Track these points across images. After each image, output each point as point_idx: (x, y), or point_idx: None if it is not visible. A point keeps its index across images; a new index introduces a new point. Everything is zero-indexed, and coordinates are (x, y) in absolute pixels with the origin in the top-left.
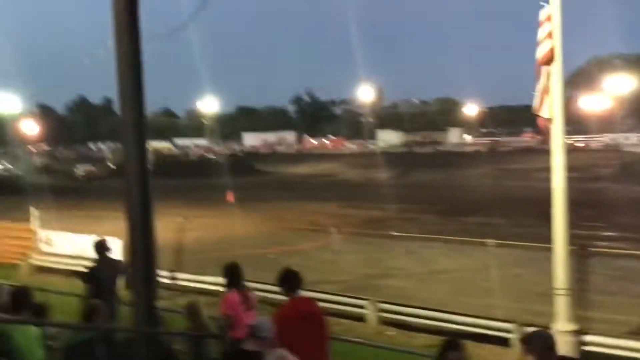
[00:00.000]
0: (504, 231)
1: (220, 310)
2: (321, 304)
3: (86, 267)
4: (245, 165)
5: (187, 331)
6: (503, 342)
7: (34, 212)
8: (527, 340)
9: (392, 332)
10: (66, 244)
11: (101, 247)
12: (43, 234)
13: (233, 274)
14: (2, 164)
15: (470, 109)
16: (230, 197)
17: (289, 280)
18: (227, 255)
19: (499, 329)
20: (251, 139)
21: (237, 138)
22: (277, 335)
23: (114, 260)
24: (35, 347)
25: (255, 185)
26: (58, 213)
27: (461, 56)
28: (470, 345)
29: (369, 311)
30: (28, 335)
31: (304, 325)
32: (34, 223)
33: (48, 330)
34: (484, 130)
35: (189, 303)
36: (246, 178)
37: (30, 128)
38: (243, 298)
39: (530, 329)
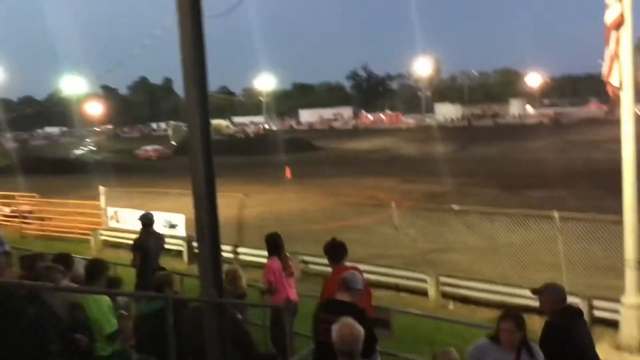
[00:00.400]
0: (569, 204)
1: (263, 277)
2: (382, 278)
3: (133, 239)
4: (302, 141)
5: (256, 302)
6: None
7: (101, 189)
8: (539, 292)
9: (453, 306)
10: (132, 219)
11: (146, 220)
12: (110, 210)
13: (274, 244)
14: (85, 147)
15: (532, 80)
16: (288, 173)
17: (333, 250)
18: (287, 230)
19: None
20: (308, 116)
21: (294, 115)
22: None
23: (158, 233)
24: (109, 316)
25: (312, 161)
26: (124, 190)
27: (522, 25)
28: (536, 320)
29: (429, 285)
30: (102, 305)
31: None
32: (102, 200)
33: (119, 300)
34: (546, 101)
35: (229, 270)
36: (304, 154)
37: (95, 109)
38: (284, 265)
39: (599, 302)
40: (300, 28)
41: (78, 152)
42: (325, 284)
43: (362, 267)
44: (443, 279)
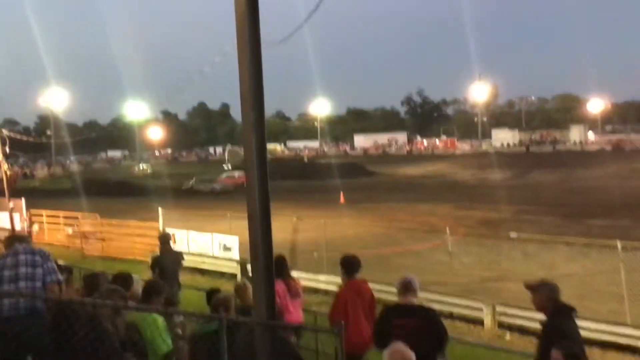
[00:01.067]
0: (632, 234)
1: None
2: (436, 306)
3: (151, 256)
4: (356, 166)
5: (302, 325)
6: (633, 350)
7: (160, 211)
8: (534, 287)
9: (510, 336)
10: (188, 241)
11: (165, 238)
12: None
13: (279, 266)
14: (142, 167)
15: (594, 105)
16: (342, 198)
17: (349, 265)
18: (339, 255)
19: (627, 336)
20: (362, 141)
21: (348, 140)
22: (342, 309)
23: (175, 251)
24: (164, 336)
25: (367, 186)
26: (182, 212)
27: (583, 50)
28: (596, 352)
29: (485, 314)
30: (157, 325)
31: (358, 300)
32: (160, 222)
33: (174, 320)
34: (609, 127)
35: (237, 284)
36: (358, 179)
37: (155, 133)
38: (288, 287)
39: None
40: (356, 53)
41: (187, 184)
42: (339, 296)
43: None
44: (500, 309)
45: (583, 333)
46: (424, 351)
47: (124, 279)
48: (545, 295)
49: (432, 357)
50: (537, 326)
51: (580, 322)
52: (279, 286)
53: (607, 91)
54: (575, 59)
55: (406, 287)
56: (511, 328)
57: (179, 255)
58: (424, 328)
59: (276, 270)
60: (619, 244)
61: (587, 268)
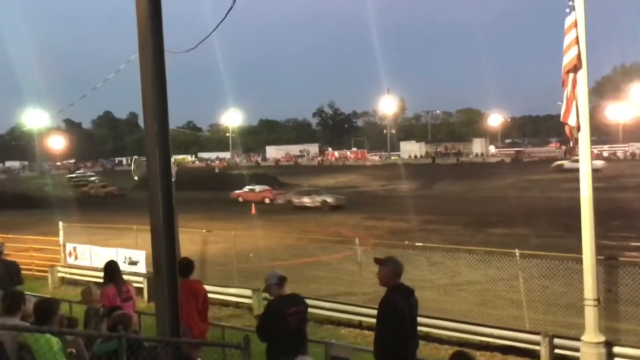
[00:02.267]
0: (530, 242)
1: (99, 302)
2: (345, 316)
3: None
4: (268, 177)
5: (210, 341)
6: (530, 354)
7: (60, 225)
8: (381, 262)
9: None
10: (91, 256)
11: None
12: (69, 246)
13: (109, 270)
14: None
15: (494, 120)
16: (253, 209)
17: (183, 268)
18: (250, 267)
19: (526, 341)
20: (274, 152)
21: (260, 150)
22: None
23: (9, 260)
24: (59, 358)
25: None
26: (84, 226)
27: (484, 67)
28: (498, 357)
29: None
30: (51, 346)
31: (192, 299)
32: (61, 236)
33: (67, 338)
34: (508, 140)
35: (83, 289)
36: None
37: (57, 143)
38: (118, 291)
39: (560, 341)
40: (268, 65)
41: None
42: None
43: (325, 304)
44: None
45: (485, 339)
46: (304, 329)
47: (15, 298)
48: (389, 269)
49: (305, 332)
50: (441, 332)
51: (483, 329)
52: (110, 290)
53: (506, 106)
54: (478, 76)
55: (283, 280)
56: (421, 337)
57: (12, 266)
58: (304, 310)
59: (107, 275)
60: (517, 252)
61: (489, 275)
